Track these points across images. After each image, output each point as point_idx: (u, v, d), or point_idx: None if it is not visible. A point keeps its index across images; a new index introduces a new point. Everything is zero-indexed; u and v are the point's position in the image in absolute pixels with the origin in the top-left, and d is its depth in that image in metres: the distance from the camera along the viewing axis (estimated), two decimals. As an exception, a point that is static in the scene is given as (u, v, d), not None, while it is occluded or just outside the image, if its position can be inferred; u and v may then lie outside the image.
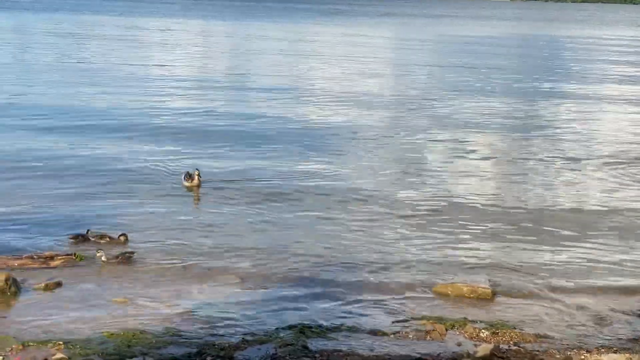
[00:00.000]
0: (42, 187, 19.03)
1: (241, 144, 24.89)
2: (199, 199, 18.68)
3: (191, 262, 14.61)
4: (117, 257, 14.31)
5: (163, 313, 12.31)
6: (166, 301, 12.78)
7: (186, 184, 19.23)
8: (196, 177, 19.19)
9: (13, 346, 10.71)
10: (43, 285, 13.15)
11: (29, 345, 10.79)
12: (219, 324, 11.99)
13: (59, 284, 13.25)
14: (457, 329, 12.17)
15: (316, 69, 49.07)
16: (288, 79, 42.83)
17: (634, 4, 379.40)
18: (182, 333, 11.55)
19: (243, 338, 11.50)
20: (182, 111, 30.62)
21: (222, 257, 15.00)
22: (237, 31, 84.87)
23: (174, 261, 14.62)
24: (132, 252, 14.57)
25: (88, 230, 15.55)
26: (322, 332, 11.89)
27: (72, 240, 15.27)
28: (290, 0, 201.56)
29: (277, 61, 52.33)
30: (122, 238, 15.32)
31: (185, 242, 15.64)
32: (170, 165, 21.46)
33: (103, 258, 14.11)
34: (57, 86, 36.26)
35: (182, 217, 17.31)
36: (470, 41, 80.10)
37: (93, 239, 15.28)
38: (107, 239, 15.30)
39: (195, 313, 12.37)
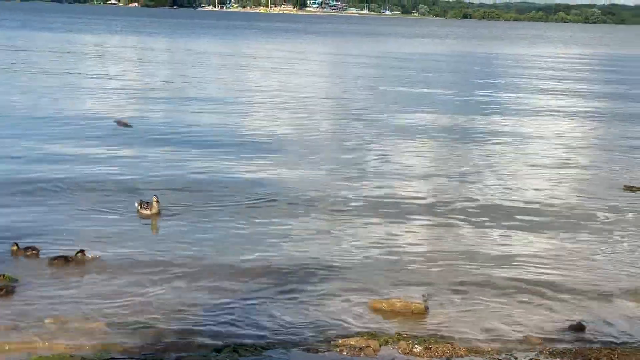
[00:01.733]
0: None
1: (184, 152, 25.20)
2: (157, 229, 17.81)
3: (124, 279, 14.44)
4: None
5: (94, 334, 12.10)
6: (97, 320, 12.57)
7: (146, 212, 18.28)
8: (155, 205, 18.26)
9: (-64, 371, 10.45)
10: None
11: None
12: (152, 344, 11.83)
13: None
14: (391, 344, 12.22)
15: (257, 82, 49.30)
16: (229, 91, 43.29)
17: (564, 22, 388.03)
18: (114, 355, 11.37)
19: (176, 358, 11.37)
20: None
21: (156, 273, 14.83)
22: (178, 47, 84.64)
23: (108, 277, 14.47)
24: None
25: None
26: (256, 350, 11.84)
27: (54, 262, 15.02)
28: (231, 17, 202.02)
29: (217, 75, 52.72)
30: (79, 255, 15.19)
31: (119, 257, 15.49)
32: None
33: None
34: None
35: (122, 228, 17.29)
36: (407, 57, 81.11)
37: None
38: (70, 259, 15.06)
39: (127, 333, 12.19)
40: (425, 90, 48.27)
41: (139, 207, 18.40)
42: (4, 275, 14.13)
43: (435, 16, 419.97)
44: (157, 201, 18.28)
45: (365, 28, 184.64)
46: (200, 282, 14.47)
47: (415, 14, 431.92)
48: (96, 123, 30.41)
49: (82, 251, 15.27)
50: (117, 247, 16.12)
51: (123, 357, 11.33)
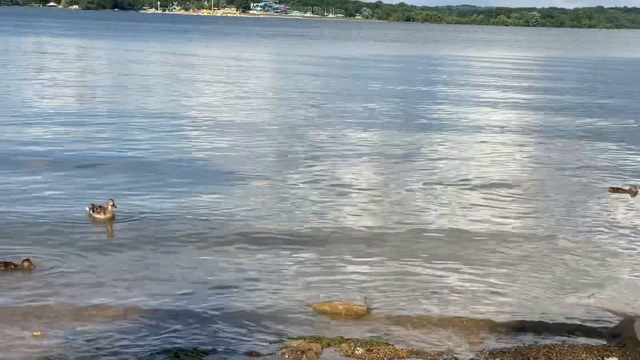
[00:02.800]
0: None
1: (116, 173, 23.89)
2: (112, 232, 17.57)
3: (69, 290, 14.24)
4: None
5: (31, 342, 11.94)
6: (33, 328, 12.40)
7: (99, 216, 18.00)
8: (110, 208, 17.99)
9: None
10: None
11: None
12: (91, 351, 11.72)
13: None
14: (333, 347, 12.25)
15: (193, 93, 48.15)
16: (164, 104, 41.19)
17: (505, 25, 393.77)
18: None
19: (120, 365, 11.28)
20: (50, 140, 29.19)
21: (102, 283, 14.68)
22: (114, 53, 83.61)
23: (35, 287, 14.25)
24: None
25: None
26: (198, 355, 11.77)
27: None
28: (173, 20, 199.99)
29: (153, 85, 51.33)
30: (25, 264, 14.87)
31: (69, 270, 15.25)
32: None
33: None
34: None
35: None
36: (350, 59, 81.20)
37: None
38: (12, 266, 14.78)
39: (66, 340, 12.04)
40: (366, 103, 46.67)
41: (91, 212, 18.15)
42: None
43: (379, 19, 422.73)
44: (113, 205, 18.01)
45: (310, 31, 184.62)
46: (140, 290, 14.33)
47: (359, 17, 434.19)
48: None
49: (28, 260, 15.02)
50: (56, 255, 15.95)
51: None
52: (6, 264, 14.83)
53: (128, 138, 30.10)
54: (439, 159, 28.62)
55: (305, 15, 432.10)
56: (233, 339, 12.50)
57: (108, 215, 17.99)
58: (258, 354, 11.93)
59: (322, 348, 12.18)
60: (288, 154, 28.25)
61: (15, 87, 45.79)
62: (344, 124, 36.74)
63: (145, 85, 50.62)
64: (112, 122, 33.83)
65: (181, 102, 42.74)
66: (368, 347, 12.23)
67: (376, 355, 12.00)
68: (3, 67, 57.94)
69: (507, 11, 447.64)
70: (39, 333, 12.28)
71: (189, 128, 33.59)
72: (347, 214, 20.38)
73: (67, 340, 12.05)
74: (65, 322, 12.79)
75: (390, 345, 12.36)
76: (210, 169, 25.10)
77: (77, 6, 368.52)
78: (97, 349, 11.87)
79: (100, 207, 18.15)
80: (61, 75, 54.51)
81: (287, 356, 11.92)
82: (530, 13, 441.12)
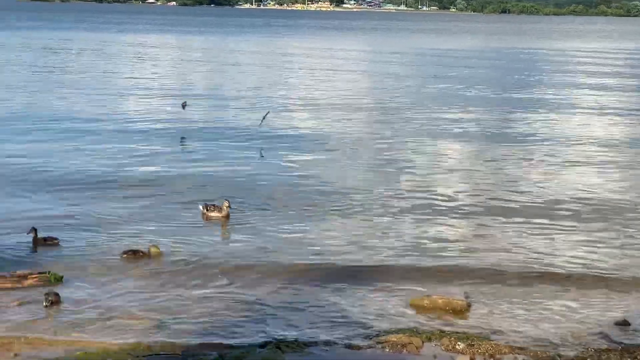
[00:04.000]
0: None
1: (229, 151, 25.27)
2: (227, 233, 17.77)
3: (171, 276, 14.63)
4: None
5: (137, 328, 12.25)
6: (142, 317, 12.72)
7: (214, 215, 18.20)
8: (225, 208, 18.22)
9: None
10: (18, 302, 13.03)
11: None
12: (196, 340, 11.95)
13: (31, 302, 13.11)
14: (434, 341, 12.19)
15: (292, 80, 49.20)
16: (269, 91, 42.88)
17: (605, 15, 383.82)
18: (158, 350, 11.48)
19: (219, 354, 11.45)
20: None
21: (200, 269, 15.03)
22: (218, 45, 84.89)
23: (154, 276, 14.68)
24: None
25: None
26: (299, 347, 11.88)
27: (125, 256, 15.39)
28: (267, 15, 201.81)
29: (256, 73, 52.67)
30: (152, 250, 15.56)
31: (177, 256, 15.69)
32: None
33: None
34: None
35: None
36: (444, 54, 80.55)
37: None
38: (141, 253, 15.48)
39: (172, 328, 12.32)
40: (465, 88, 47.58)
41: (205, 210, 18.40)
42: (49, 273, 14.30)
43: (473, 11, 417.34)
44: (229, 206, 18.22)
45: (403, 24, 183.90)
46: (246, 282, 14.55)
47: (453, 10, 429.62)
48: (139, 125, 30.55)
49: (155, 245, 15.66)
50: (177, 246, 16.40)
51: (166, 353, 11.40)
52: (135, 252, 15.50)
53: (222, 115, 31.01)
54: (542, 141, 28.76)
55: (399, 8, 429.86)
56: (333, 332, 12.56)
57: (224, 214, 18.24)
58: (358, 347, 11.97)
59: (422, 342, 12.14)
60: (383, 140, 28.59)
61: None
62: (440, 105, 37.31)
63: (246, 75, 51.62)
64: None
65: (280, 89, 43.87)
66: (469, 342, 12.12)
67: (477, 351, 11.88)
68: (110, 62, 59.38)
69: (607, 1, 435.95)
70: (145, 320, 12.59)
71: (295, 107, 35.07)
72: (446, 203, 20.32)
73: (172, 329, 12.32)
74: (172, 311, 13.09)
75: (492, 341, 12.23)
76: (310, 147, 26.37)
77: (174, 2, 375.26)
78: (197, 336, 12.09)
79: (214, 205, 18.39)
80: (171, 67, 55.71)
81: (387, 350, 11.91)
82: (632, 3, 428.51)
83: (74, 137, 27.17)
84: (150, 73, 50.90)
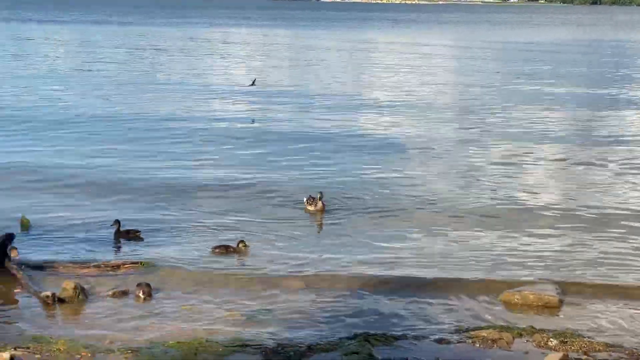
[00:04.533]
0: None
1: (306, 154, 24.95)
2: (321, 225, 17.91)
3: (258, 270, 14.78)
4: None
5: (228, 321, 12.40)
6: (232, 309, 12.88)
7: (310, 208, 18.46)
8: (319, 202, 18.32)
9: (82, 353, 10.87)
10: (111, 293, 13.33)
11: (98, 353, 10.93)
12: (285, 333, 12.01)
13: (125, 293, 13.40)
14: (525, 337, 11.99)
15: (376, 77, 48.88)
16: (349, 89, 42.65)
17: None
18: (248, 341, 11.58)
19: (308, 346, 11.50)
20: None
21: (289, 264, 15.11)
22: (298, 40, 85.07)
23: (242, 269, 14.84)
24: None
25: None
26: (388, 340, 11.82)
27: (216, 251, 15.62)
28: (352, 8, 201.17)
29: (337, 70, 52.42)
30: (240, 245, 15.72)
31: (261, 251, 15.82)
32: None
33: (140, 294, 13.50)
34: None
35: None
36: (530, 48, 79.04)
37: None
38: (231, 249, 15.68)
39: (261, 321, 12.43)
40: (554, 86, 46.18)
41: (306, 203, 18.53)
42: (141, 263, 14.61)
43: (563, 3, 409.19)
44: (321, 198, 18.29)
45: (490, 17, 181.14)
46: (332, 277, 14.53)
47: (542, 1, 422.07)
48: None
49: (242, 241, 15.77)
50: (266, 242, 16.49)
51: (256, 344, 11.50)
52: (226, 247, 15.70)
53: (313, 117, 31.09)
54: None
55: (485, 0, 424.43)
56: (422, 325, 12.49)
57: (318, 207, 18.29)
58: (448, 342, 11.85)
59: (513, 338, 11.95)
60: (469, 134, 28.47)
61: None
62: (525, 104, 36.47)
63: (328, 72, 51.52)
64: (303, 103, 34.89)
65: (364, 85, 43.64)
66: (562, 338, 11.87)
67: (570, 348, 11.63)
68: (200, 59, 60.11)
69: None
70: (236, 313, 12.75)
71: (370, 108, 34.59)
72: (534, 196, 20.11)
73: (262, 321, 12.43)
74: (260, 303, 13.22)
75: (585, 337, 11.95)
76: (396, 148, 25.90)
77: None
78: (287, 328, 12.17)
79: (313, 199, 18.47)
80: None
81: (477, 345, 11.76)
82: None
83: (156, 138, 27.13)
84: (230, 71, 50.63)
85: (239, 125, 29.86)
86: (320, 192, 18.50)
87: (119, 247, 15.89)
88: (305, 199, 18.61)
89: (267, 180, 21.24)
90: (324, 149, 25.72)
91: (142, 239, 16.32)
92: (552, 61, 62.34)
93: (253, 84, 30.16)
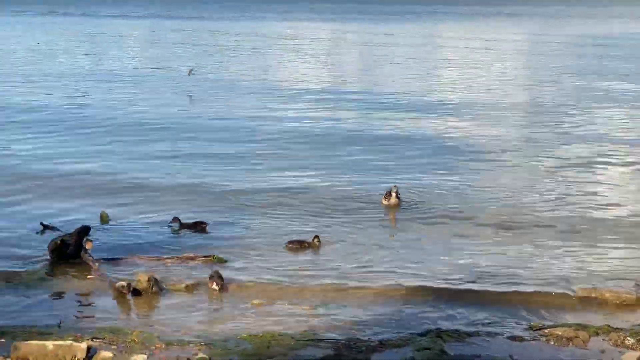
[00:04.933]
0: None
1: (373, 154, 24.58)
2: (395, 220, 17.89)
3: (330, 265, 14.81)
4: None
5: (300, 316, 12.45)
6: (303, 303, 12.94)
7: (384, 202, 18.35)
8: (393, 196, 18.21)
9: (157, 345, 11.01)
10: (184, 286, 13.49)
11: (171, 345, 11.07)
12: (356, 327, 12.01)
13: (198, 285, 13.54)
14: (601, 335, 11.75)
15: (445, 75, 47.73)
16: (417, 87, 41.40)
17: None
18: (320, 336, 11.60)
19: (380, 341, 11.47)
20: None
21: (360, 260, 15.10)
22: (362, 36, 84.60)
23: (314, 264, 14.89)
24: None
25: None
26: (460, 337, 11.71)
27: (289, 246, 15.70)
28: (417, 2, 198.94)
29: (405, 68, 51.61)
30: (315, 241, 15.73)
31: (334, 247, 15.84)
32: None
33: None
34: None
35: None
36: (609, 43, 76.86)
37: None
38: (306, 244, 15.72)
39: (332, 316, 12.45)
40: (633, 83, 44.16)
41: (382, 198, 18.43)
42: (213, 256, 14.75)
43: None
44: (397, 192, 18.19)
45: (556, 9, 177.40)
46: (402, 274, 14.48)
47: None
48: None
49: (317, 236, 15.79)
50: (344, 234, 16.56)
51: (328, 338, 11.51)
52: (300, 242, 15.75)
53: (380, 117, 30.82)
54: None
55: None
56: (494, 322, 12.35)
57: (392, 201, 18.21)
58: (521, 339, 11.69)
59: (589, 336, 11.73)
60: (538, 136, 27.57)
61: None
62: (603, 105, 35.18)
63: (397, 69, 51.13)
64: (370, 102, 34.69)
65: (433, 84, 42.89)
66: (639, 337, 11.61)
67: (648, 347, 11.37)
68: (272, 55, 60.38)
69: None
70: (308, 307, 12.81)
71: (434, 108, 33.76)
72: (605, 198, 19.64)
73: (333, 316, 12.44)
74: (332, 298, 13.25)
75: (666, 337, 11.67)
76: (465, 150, 25.09)
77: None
78: (358, 324, 12.16)
79: (389, 193, 18.37)
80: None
81: (551, 343, 11.58)
82: None
83: (233, 138, 26.97)
84: (297, 70, 49.51)
85: (309, 125, 29.49)
86: (395, 186, 18.41)
87: (189, 242, 16.05)
88: (385, 193, 18.50)
89: (339, 181, 21.05)
90: (395, 149, 25.21)
91: (207, 232, 16.53)
92: (631, 57, 60.12)
93: (190, 73, 28.61)
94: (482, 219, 17.83)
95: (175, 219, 16.72)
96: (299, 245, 15.66)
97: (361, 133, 28.06)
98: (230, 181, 20.81)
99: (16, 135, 26.61)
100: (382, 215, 18.07)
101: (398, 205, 18.21)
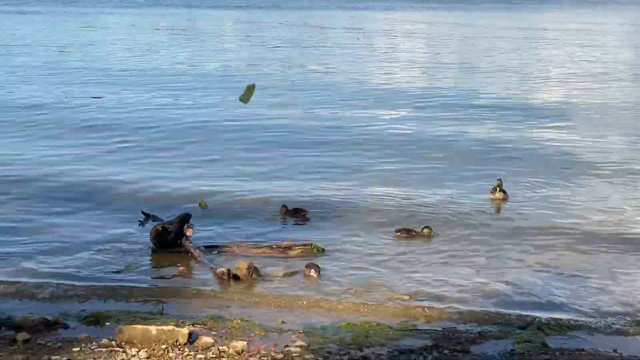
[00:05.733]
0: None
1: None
2: (499, 211, 17.55)
3: (433, 253, 14.77)
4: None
5: (398, 305, 12.39)
6: (401, 293, 12.87)
7: (491, 196, 18.08)
8: (497, 189, 17.96)
9: (256, 332, 11.12)
10: (282, 273, 13.61)
11: (270, 332, 11.17)
12: (455, 318, 11.90)
13: (296, 273, 13.64)
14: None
15: (552, 74, 43.93)
16: (524, 90, 37.89)
17: None
18: (418, 325, 11.53)
19: (479, 332, 11.33)
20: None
21: (462, 249, 15.02)
22: (459, 28, 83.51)
23: (415, 253, 14.82)
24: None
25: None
26: (562, 329, 11.48)
27: (397, 234, 15.72)
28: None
29: (509, 65, 49.31)
30: (425, 231, 15.68)
31: (447, 239, 15.71)
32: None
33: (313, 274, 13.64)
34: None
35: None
36: None
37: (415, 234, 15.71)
38: (414, 233, 15.70)
39: (431, 306, 12.36)
40: None
41: (490, 191, 18.21)
42: (312, 245, 14.82)
43: None
44: (500, 185, 17.96)
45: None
46: (503, 262, 14.38)
47: None
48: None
49: (428, 227, 15.72)
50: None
51: (427, 329, 11.43)
52: (408, 230, 15.68)
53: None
54: None
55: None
56: (599, 314, 12.12)
57: (497, 195, 17.96)
58: (627, 334, 11.40)
59: (701, 334, 11.33)
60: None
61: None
62: None
63: (504, 63, 49.96)
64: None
65: (538, 86, 40.27)
66: None
67: None
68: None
69: None
70: (406, 296, 12.75)
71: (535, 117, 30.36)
72: None
73: (431, 307, 12.35)
74: (430, 289, 13.14)
75: None
76: (561, 158, 23.10)
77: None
78: (457, 315, 12.03)
79: (495, 188, 18.12)
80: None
81: (658, 339, 11.25)
82: None
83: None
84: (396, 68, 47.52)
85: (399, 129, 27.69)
86: (499, 180, 18.12)
87: (288, 229, 16.18)
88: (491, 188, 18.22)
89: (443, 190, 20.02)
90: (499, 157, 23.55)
91: (308, 219, 16.65)
92: None
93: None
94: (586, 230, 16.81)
95: (283, 207, 16.86)
96: (407, 234, 15.58)
97: (454, 140, 25.83)
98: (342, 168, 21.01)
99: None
100: (492, 206, 17.87)
101: (504, 199, 17.95)
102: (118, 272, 13.75)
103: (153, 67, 42.72)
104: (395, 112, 29.67)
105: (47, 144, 23.48)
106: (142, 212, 16.70)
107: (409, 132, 26.18)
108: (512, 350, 10.72)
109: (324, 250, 14.74)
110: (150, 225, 15.88)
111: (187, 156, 22.33)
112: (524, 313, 12.14)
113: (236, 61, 46.20)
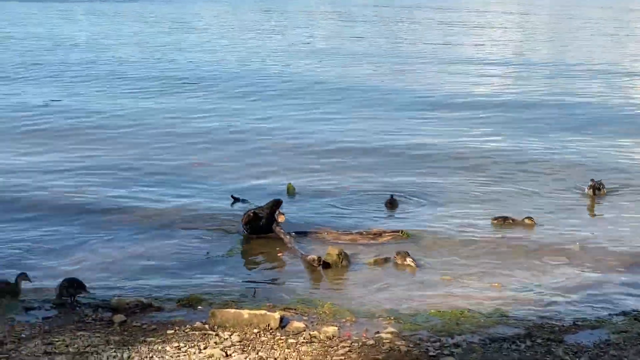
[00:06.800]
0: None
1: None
2: (593, 209, 17.15)
3: (524, 243, 14.57)
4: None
5: (489, 293, 12.28)
6: (492, 281, 12.75)
7: (587, 192, 17.61)
8: (590, 190, 17.52)
9: (347, 318, 11.17)
10: (372, 260, 13.62)
11: (361, 318, 11.20)
12: (548, 307, 11.73)
13: (386, 260, 13.63)
14: None
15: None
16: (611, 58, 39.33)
17: None
18: (510, 314, 11.41)
19: (574, 322, 11.14)
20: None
21: (556, 239, 14.79)
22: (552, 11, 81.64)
23: (502, 242, 14.63)
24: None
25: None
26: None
27: (494, 222, 15.65)
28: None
29: (596, 43, 48.94)
30: (527, 221, 15.56)
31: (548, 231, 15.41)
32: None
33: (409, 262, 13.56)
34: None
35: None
36: None
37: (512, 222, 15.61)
38: (511, 221, 15.59)
39: (523, 295, 12.21)
40: None
41: (586, 187, 17.79)
42: (402, 231, 14.80)
43: None
44: (598, 188, 17.50)
45: None
46: (604, 252, 14.14)
47: None
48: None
49: (529, 217, 15.57)
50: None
51: (517, 318, 11.29)
52: (505, 218, 15.59)
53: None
54: None
55: None
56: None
57: (589, 192, 17.51)
58: None
59: None
60: None
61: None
62: None
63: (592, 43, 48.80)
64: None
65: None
66: None
67: None
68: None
69: None
70: (497, 285, 12.62)
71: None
72: None
73: (524, 295, 12.21)
74: (523, 277, 13.02)
75: None
76: None
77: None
78: (550, 304, 11.84)
79: (590, 187, 17.62)
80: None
81: None
82: None
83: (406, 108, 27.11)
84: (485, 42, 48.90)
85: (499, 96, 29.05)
86: (592, 180, 17.59)
87: (378, 216, 16.17)
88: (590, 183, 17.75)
89: (531, 152, 20.78)
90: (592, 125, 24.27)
91: (397, 206, 16.64)
92: None
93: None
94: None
95: (391, 200, 16.78)
96: (503, 222, 15.45)
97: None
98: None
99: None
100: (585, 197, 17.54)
101: (596, 196, 17.42)
102: (210, 257, 13.94)
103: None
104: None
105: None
106: (232, 196, 16.88)
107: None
108: (607, 340, 10.50)
109: (412, 236, 14.69)
110: (240, 208, 16.03)
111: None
112: (621, 303, 11.91)
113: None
